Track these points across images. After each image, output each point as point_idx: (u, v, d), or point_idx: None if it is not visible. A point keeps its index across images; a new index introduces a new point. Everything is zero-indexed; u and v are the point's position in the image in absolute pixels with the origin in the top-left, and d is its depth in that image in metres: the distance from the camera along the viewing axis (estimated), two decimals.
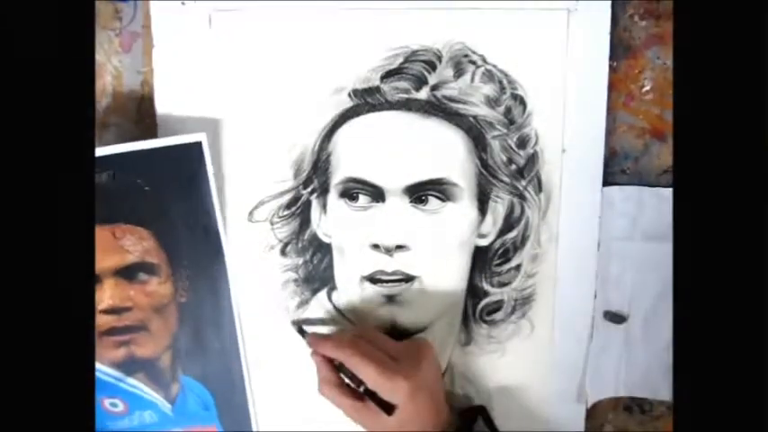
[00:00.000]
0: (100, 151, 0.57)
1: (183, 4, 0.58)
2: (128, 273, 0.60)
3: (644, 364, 0.64)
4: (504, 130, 0.60)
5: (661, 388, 0.64)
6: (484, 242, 0.62)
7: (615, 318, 0.64)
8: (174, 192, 0.59)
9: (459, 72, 0.59)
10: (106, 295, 0.59)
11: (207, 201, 0.59)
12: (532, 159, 0.61)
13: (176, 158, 0.58)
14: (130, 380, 0.62)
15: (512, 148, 0.60)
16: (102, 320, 0.59)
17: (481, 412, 0.61)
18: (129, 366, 0.62)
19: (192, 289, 0.61)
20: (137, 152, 0.58)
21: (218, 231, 0.60)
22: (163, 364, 0.62)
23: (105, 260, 0.58)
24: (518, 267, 0.62)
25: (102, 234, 0.58)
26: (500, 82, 0.59)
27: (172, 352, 0.62)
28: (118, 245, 0.59)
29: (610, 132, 0.61)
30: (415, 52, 0.59)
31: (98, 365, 0.60)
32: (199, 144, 0.58)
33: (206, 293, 0.61)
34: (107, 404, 0.62)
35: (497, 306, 0.63)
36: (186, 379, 0.63)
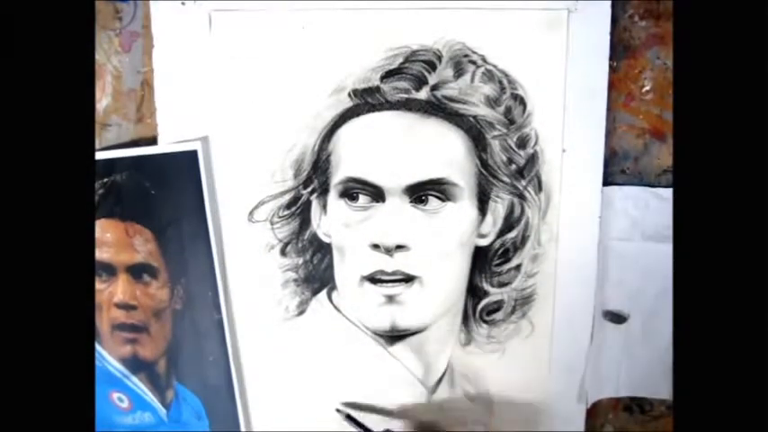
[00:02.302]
0: (109, 154, 0.58)
1: (182, 4, 0.58)
2: (135, 271, 0.61)
3: (644, 364, 0.64)
4: (504, 130, 0.60)
5: (661, 388, 0.64)
6: (484, 242, 0.62)
7: (615, 318, 0.64)
8: (174, 198, 0.60)
9: (459, 72, 0.59)
10: (119, 289, 0.60)
11: (203, 210, 0.59)
12: (532, 159, 0.60)
13: (175, 165, 0.58)
14: (134, 378, 0.63)
15: (512, 147, 0.60)
16: (114, 314, 0.61)
17: None
18: (133, 365, 0.63)
19: (187, 298, 0.62)
20: (141, 156, 0.58)
21: (210, 243, 0.60)
22: (160, 369, 0.63)
23: (120, 254, 0.60)
24: (518, 267, 0.62)
25: (117, 228, 0.59)
26: (500, 82, 0.59)
27: (167, 358, 0.63)
28: (130, 242, 0.60)
29: (610, 132, 0.61)
30: (415, 52, 0.59)
31: (108, 359, 0.62)
32: (194, 153, 0.58)
33: (200, 304, 0.62)
34: (115, 397, 0.63)
35: (497, 306, 0.63)
36: (180, 387, 0.63)
